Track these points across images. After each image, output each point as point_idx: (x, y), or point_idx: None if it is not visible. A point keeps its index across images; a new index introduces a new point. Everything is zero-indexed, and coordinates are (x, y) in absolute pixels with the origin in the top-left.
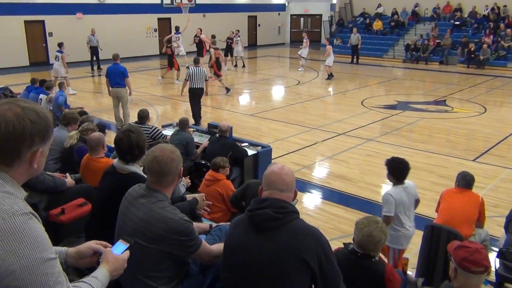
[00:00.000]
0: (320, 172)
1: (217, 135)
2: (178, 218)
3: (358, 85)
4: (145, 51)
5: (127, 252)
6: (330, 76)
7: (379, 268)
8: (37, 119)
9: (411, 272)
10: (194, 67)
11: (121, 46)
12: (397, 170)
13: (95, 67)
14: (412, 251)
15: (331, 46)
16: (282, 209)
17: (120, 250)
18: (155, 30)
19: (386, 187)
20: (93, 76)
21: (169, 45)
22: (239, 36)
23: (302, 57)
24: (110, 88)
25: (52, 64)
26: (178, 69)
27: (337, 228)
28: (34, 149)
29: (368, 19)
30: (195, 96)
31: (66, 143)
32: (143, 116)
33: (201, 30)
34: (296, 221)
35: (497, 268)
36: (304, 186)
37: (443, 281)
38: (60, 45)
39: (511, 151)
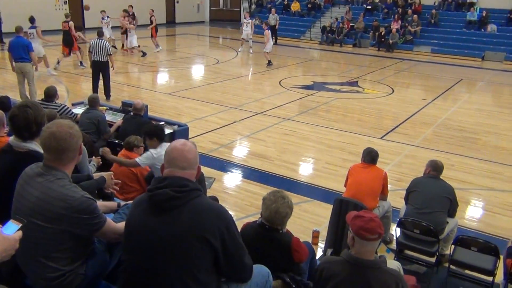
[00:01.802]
0: (238, 151)
1: (132, 113)
2: (79, 195)
3: (276, 65)
4: (54, 24)
5: (19, 232)
6: (269, 63)
7: (286, 239)
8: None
9: (322, 244)
10: (96, 40)
11: (26, 18)
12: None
13: None
14: (323, 224)
15: (269, 31)
16: (183, 188)
17: (11, 230)
18: (65, 2)
19: (303, 164)
20: None
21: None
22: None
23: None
24: (14, 63)
25: None
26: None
27: (253, 205)
28: None
29: (286, 0)
30: (97, 69)
31: None
32: (50, 94)
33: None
34: (199, 199)
35: (397, 236)
36: (222, 165)
37: None
38: (32, 20)
39: (414, 129)
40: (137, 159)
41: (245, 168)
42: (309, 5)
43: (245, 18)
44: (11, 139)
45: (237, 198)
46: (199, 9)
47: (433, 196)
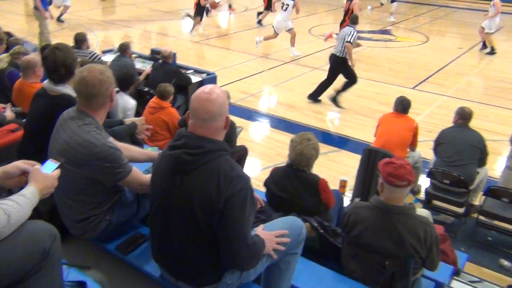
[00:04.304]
0: (266, 100)
1: (160, 61)
2: (101, 143)
3: (305, 12)
4: None
5: (58, 171)
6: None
7: (314, 178)
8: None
9: (349, 194)
10: None
11: None
12: None
13: None
14: (350, 174)
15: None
16: (198, 149)
17: (50, 168)
18: None
19: (331, 114)
20: None
21: None
22: None
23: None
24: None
25: None
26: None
27: (281, 154)
28: None
29: None
30: None
31: None
32: (79, 40)
33: None
34: (216, 161)
35: (427, 187)
36: (250, 114)
37: None
38: None
39: (448, 79)
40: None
41: (273, 118)
42: None
43: None
44: (45, 82)
45: (265, 147)
46: None
47: (462, 147)
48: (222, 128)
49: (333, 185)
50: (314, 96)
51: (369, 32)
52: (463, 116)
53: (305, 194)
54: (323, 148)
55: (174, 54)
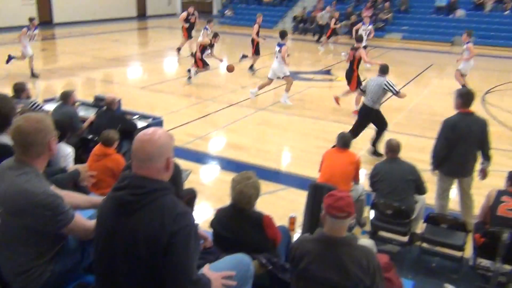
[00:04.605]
0: (214, 142)
1: (104, 108)
2: (41, 191)
3: (250, 55)
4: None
5: None
6: (243, 56)
7: (257, 215)
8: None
9: (299, 230)
10: None
11: None
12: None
13: None
14: (299, 210)
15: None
16: (141, 189)
17: None
18: None
19: (279, 153)
20: None
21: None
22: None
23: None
24: None
25: None
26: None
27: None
28: None
29: None
30: None
31: None
32: (18, 89)
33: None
34: (160, 200)
35: (371, 219)
36: (198, 156)
37: None
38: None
39: (386, 114)
40: None
41: (222, 159)
42: None
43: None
44: None
45: (214, 189)
46: (170, 1)
47: (396, 184)
48: (163, 170)
49: (283, 223)
50: (377, 153)
51: (311, 72)
52: (391, 148)
53: (250, 232)
54: (272, 186)
55: (119, 101)
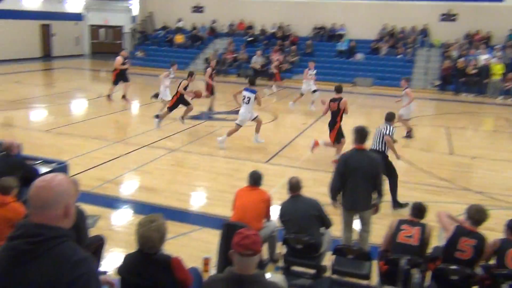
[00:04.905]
0: (124, 185)
1: (2, 153)
2: None
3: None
4: None
5: None
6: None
7: (165, 258)
8: None
9: (214, 270)
10: None
11: None
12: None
13: None
14: (213, 251)
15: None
16: (37, 237)
17: None
18: None
19: (193, 193)
20: None
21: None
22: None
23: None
24: None
25: None
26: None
27: None
28: None
29: (169, 33)
30: None
31: None
32: None
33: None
34: (58, 247)
35: (284, 254)
36: (107, 201)
37: None
38: None
39: (294, 152)
40: None
41: (134, 202)
42: (192, 38)
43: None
44: None
45: (126, 234)
46: (78, 42)
47: (300, 222)
48: (62, 217)
49: (198, 264)
50: (398, 204)
51: (224, 112)
52: (291, 187)
53: (159, 276)
54: (185, 228)
55: (19, 145)
